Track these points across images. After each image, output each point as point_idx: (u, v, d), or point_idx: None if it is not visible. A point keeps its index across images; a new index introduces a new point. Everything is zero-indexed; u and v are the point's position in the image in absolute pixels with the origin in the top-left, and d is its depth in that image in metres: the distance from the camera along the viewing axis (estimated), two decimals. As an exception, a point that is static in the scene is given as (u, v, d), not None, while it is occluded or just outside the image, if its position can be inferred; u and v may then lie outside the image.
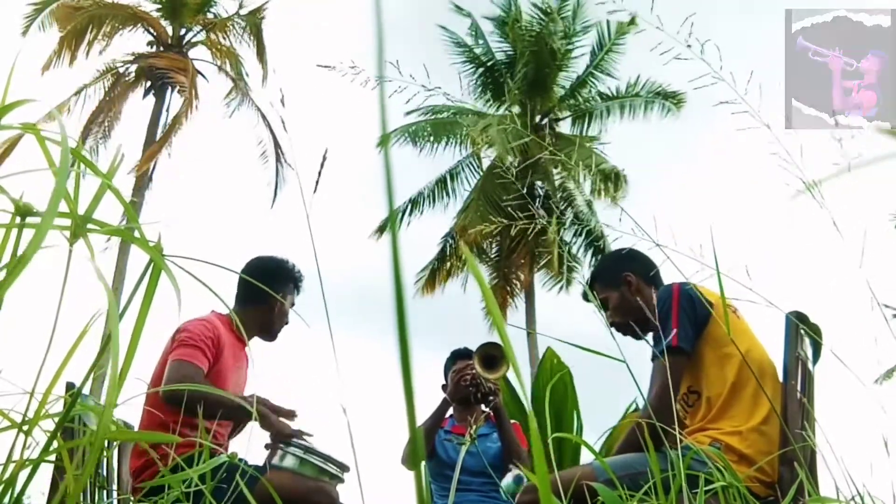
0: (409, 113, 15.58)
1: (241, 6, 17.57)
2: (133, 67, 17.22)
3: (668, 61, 1.49)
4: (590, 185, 16.91)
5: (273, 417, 2.55)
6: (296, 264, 2.94)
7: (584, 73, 17.15)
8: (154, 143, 16.48)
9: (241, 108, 17.28)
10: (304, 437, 2.55)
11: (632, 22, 16.48)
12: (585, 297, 2.51)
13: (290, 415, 2.58)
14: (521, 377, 0.52)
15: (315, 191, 1.11)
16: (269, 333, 2.91)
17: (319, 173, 1.12)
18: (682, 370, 2.11)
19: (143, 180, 16.24)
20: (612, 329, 2.39)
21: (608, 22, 16.60)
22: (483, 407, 3.42)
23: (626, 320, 2.31)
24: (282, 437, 2.53)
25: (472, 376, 3.28)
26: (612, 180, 16.47)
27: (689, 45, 1.49)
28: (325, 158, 1.14)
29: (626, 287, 2.38)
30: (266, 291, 2.73)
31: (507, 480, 2.46)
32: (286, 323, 2.93)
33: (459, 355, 3.49)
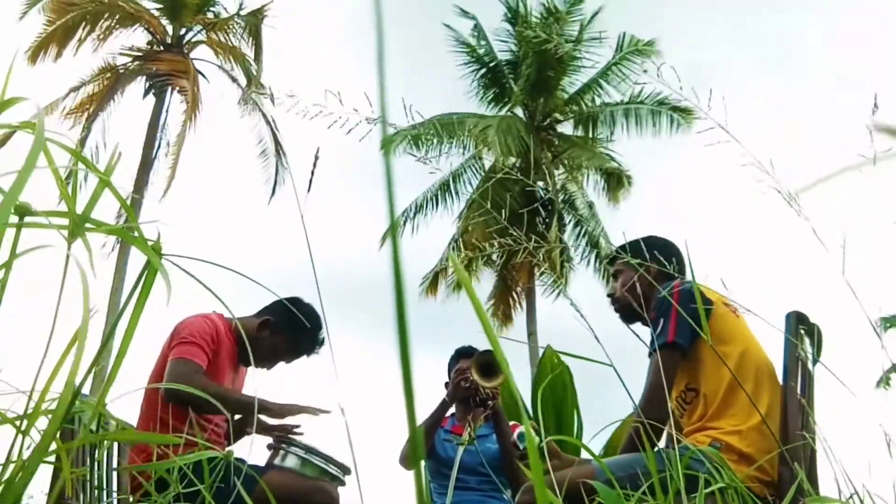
0: (393, 135, 15.30)
1: (241, 6, 17.49)
2: (132, 67, 17.08)
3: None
4: (592, 185, 16.85)
5: (277, 407, 2.53)
6: (324, 339, 2.82)
7: (590, 82, 16.97)
8: (158, 151, 16.44)
9: (246, 107, 17.14)
10: (298, 432, 2.56)
11: (649, 44, 16.34)
12: (610, 260, 2.53)
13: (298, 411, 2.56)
14: (514, 386, 0.53)
15: (309, 191, 1.11)
16: (254, 357, 2.81)
17: (312, 173, 1.13)
18: (676, 365, 2.12)
19: (142, 179, 16.15)
20: (610, 301, 2.43)
21: (623, 34, 16.49)
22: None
23: (626, 302, 2.33)
24: (283, 430, 2.55)
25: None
26: (615, 180, 16.40)
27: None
28: (317, 158, 1.15)
29: (645, 273, 2.37)
30: (286, 327, 2.73)
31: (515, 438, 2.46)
32: (267, 367, 2.85)
33: (463, 353, 3.42)
